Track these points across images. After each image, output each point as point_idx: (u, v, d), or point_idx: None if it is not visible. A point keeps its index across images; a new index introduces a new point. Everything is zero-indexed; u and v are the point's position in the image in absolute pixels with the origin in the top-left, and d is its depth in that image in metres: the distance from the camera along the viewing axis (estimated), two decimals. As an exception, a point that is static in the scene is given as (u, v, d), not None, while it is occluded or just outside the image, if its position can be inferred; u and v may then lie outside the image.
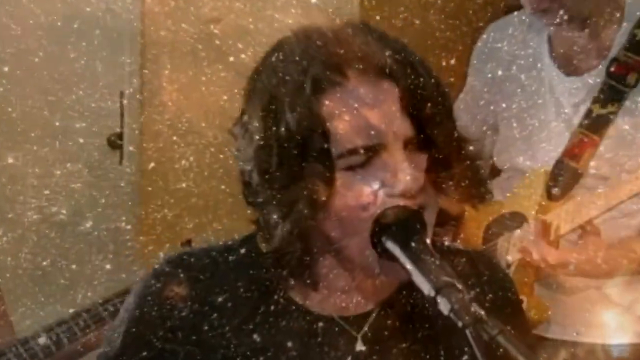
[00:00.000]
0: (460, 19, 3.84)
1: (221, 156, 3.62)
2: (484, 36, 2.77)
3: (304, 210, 1.46)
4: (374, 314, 1.60)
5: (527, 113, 2.59)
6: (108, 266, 3.88)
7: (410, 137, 1.49)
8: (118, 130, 4.25)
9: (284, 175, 1.47)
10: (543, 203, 2.50)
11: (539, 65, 2.60)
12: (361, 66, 1.47)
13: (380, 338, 1.59)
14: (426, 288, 1.37)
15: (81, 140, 4.08)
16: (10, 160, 3.97)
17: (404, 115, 1.48)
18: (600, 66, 2.49)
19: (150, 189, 4.23)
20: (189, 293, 1.59)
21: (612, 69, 2.46)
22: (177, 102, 4.11)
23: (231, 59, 3.64)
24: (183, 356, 1.57)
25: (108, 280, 3.68)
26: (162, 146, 4.19)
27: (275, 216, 1.49)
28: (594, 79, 2.48)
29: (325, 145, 1.46)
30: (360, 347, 1.59)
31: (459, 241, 2.53)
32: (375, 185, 1.47)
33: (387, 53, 1.49)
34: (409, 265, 1.41)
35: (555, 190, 2.49)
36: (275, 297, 1.58)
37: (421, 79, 1.50)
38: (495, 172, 2.73)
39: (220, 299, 1.58)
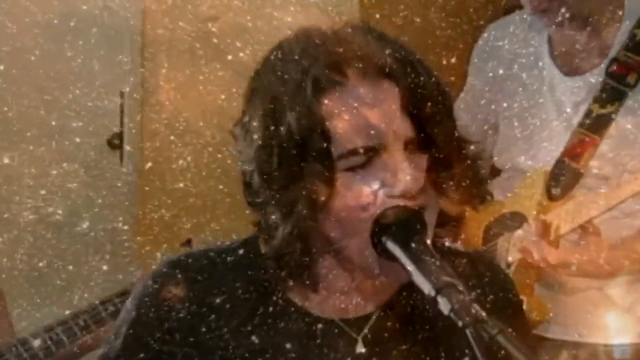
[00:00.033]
0: (461, 17, 3.84)
1: (219, 156, 3.62)
2: (485, 35, 2.77)
3: (303, 210, 1.47)
4: (374, 317, 1.61)
5: (529, 112, 2.60)
6: (105, 267, 3.88)
7: (410, 137, 1.49)
8: (115, 130, 4.25)
9: (284, 176, 1.48)
10: (544, 203, 2.51)
11: (540, 64, 2.60)
12: (361, 66, 1.48)
13: (381, 340, 1.59)
14: (426, 288, 1.38)
15: (78, 140, 4.07)
16: (6, 160, 3.97)
17: (404, 115, 1.49)
18: (601, 66, 2.49)
19: (147, 189, 4.23)
20: (187, 294, 1.59)
21: (612, 69, 2.47)
22: (175, 102, 4.11)
23: (229, 57, 3.65)
24: (181, 358, 1.58)
25: (105, 281, 3.68)
26: (160, 146, 4.19)
27: (275, 217, 1.49)
28: (594, 78, 2.48)
29: (325, 145, 1.46)
30: (360, 349, 1.59)
31: (459, 242, 2.53)
32: (375, 186, 1.48)
33: (387, 53, 1.49)
34: (409, 266, 1.42)
35: (555, 190, 2.49)
36: (274, 298, 1.59)
37: (421, 78, 1.50)
38: (495, 172, 2.73)
39: (218, 300, 1.59)
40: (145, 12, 4.26)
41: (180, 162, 3.95)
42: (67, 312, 2.69)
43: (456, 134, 1.56)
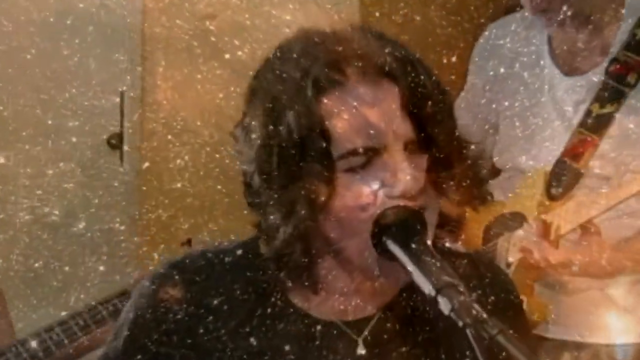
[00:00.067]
0: (461, 15, 3.84)
1: (217, 155, 3.62)
2: (486, 33, 2.77)
3: (302, 211, 1.47)
4: (375, 319, 1.61)
5: (530, 111, 2.60)
6: (102, 268, 3.89)
7: (410, 137, 1.50)
8: (112, 129, 4.25)
9: (284, 176, 1.48)
10: (545, 203, 2.51)
11: (541, 62, 2.60)
12: (361, 65, 1.48)
13: (381, 342, 1.59)
14: (427, 288, 1.38)
15: (74, 140, 4.08)
16: (2, 160, 3.97)
17: (404, 115, 1.49)
18: (601, 66, 2.50)
19: (144, 189, 4.23)
20: (184, 295, 1.59)
21: (612, 68, 2.47)
22: (172, 101, 4.11)
23: (227, 56, 3.65)
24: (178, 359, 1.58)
25: (102, 282, 3.68)
26: (157, 145, 4.19)
27: (275, 218, 1.50)
28: (594, 78, 2.49)
29: (325, 145, 1.46)
30: (361, 351, 1.59)
31: (460, 242, 2.53)
32: (375, 186, 1.48)
33: (386, 52, 1.50)
34: (409, 266, 1.42)
35: (555, 190, 2.50)
36: (273, 299, 1.59)
37: (421, 77, 1.51)
38: (495, 172, 2.73)
39: (216, 302, 1.59)
40: (142, 10, 4.26)
41: (178, 161, 3.96)
42: (64, 313, 2.69)
43: (456, 134, 1.56)
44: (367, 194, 1.48)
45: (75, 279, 3.88)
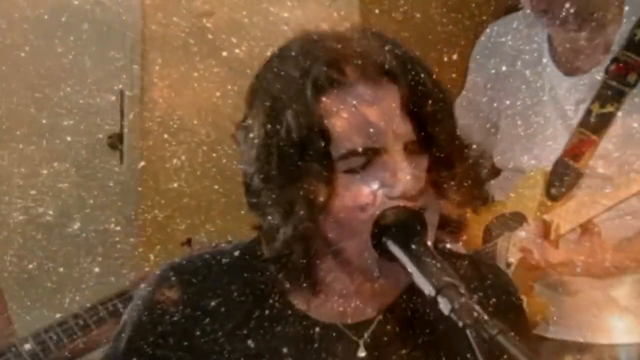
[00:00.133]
0: (462, 12, 3.84)
1: (214, 155, 3.63)
2: (487, 30, 2.77)
3: (301, 211, 1.48)
4: (375, 321, 1.61)
5: (532, 110, 2.60)
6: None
7: (410, 138, 1.50)
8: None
9: (283, 176, 1.49)
10: (547, 203, 2.52)
11: (544, 60, 2.61)
12: (360, 63, 1.49)
13: (381, 345, 1.60)
14: (427, 288, 1.39)
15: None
16: (-5, 159, 3.97)
17: (404, 115, 1.50)
18: (600, 66, 2.51)
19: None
20: (181, 297, 1.59)
21: (612, 68, 2.48)
22: (168, 99, 4.12)
23: (224, 54, 3.65)
24: (175, 362, 1.58)
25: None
26: (153, 144, 4.19)
27: (276, 218, 1.51)
28: (594, 78, 2.50)
29: (324, 145, 1.47)
30: (361, 353, 1.59)
31: (460, 243, 2.54)
32: (375, 186, 1.49)
33: (386, 52, 1.51)
34: (409, 266, 1.43)
35: (555, 190, 2.51)
36: (271, 301, 1.59)
37: (421, 75, 1.52)
38: (495, 172, 2.74)
39: (213, 304, 1.59)
40: (137, 7, 4.26)
41: (175, 161, 3.96)
42: (59, 315, 2.70)
43: (457, 133, 1.57)
44: (366, 194, 1.49)
45: (69, 280, 3.87)
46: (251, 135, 1.53)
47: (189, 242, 2.74)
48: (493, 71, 2.69)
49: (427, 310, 1.56)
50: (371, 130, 1.48)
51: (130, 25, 4.25)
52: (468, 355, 1.33)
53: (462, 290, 1.36)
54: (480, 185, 1.61)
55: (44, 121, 4.06)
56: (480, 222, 2.65)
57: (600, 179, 2.48)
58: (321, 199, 1.47)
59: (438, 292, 1.37)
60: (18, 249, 3.96)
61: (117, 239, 4.12)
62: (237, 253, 1.64)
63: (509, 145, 2.67)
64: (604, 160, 2.49)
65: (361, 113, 1.48)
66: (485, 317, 1.32)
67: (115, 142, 4.24)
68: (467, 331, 1.31)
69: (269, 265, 1.57)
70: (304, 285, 1.57)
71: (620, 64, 2.48)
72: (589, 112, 2.50)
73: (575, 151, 2.50)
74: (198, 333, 1.58)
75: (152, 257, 3.81)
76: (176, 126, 4.05)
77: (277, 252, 1.53)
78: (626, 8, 2.52)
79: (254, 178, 1.53)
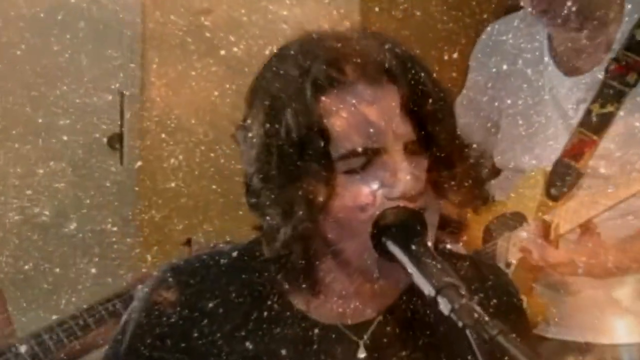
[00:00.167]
0: (463, 10, 3.84)
1: (212, 155, 3.62)
2: (488, 29, 2.78)
3: (300, 211, 1.48)
4: (375, 322, 1.62)
5: (533, 110, 2.61)
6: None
7: (410, 138, 1.51)
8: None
9: (283, 176, 1.50)
10: (549, 204, 2.53)
11: (545, 59, 2.61)
12: (360, 62, 1.50)
13: (381, 346, 1.60)
14: (427, 288, 1.39)
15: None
16: (-9, 159, 3.97)
17: (404, 115, 1.50)
18: (600, 65, 2.51)
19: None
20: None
21: (612, 68, 2.50)
22: (166, 98, 4.11)
23: (223, 52, 3.65)
24: (172, 364, 1.58)
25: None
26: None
27: (275, 219, 1.52)
28: (594, 78, 2.51)
29: (323, 145, 1.48)
30: (361, 354, 1.59)
31: (461, 244, 2.54)
32: (374, 186, 1.49)
33: (386, 52, 1.52)
34: (409, 267, 1.43)
35: (555, 190, 2.52)
36: (269, 302, 1.59)
37: (421, 74, 1.52)
38: (496, 172, 2.74)
39: (211, 305, 1.59)
40: (134, 5, 4.26)
41: (172, 161, 3.95)
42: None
43: (457, 133, 1.57)
44: (366, 195, 1.49)
45: (66, 281, 3.87)
46: (251, 135, 1.53)
47: (188, 242, 2.75)
48: (494, 70, 2.69)
49: (427, 311, 1.57)
50: (371, 129, 1.49)
51: (128, 23, 4.25)
52: (469, 357, 1.32)
53: (463, 291, 1.36)
54: (481, 185, 1.62)
55: (40, 120, 4.06)
56: (481, 222, 2.65)
57: (601, 179, 2.48)
58: (321, 199, 1.48)
59: (438, 292, 1.37)
60: (14, 250, 3.96)
61: (114, 239, 4.12)
62: (235, 254, 1.64)
63: (509, 145, 2.68)
64: (605, 160, 2.49)
65: (361, 112, 1.49)
66: (486, 318, 1.32)
67: (115, 142, 4.24)
68: (467, 331, 1.32)
69: (269, 265, 1.57)
70: (304, 285, 1.58)
71: (620, 64, 2.49)
72: (589, 112, 2.52)
73: (576, 151, 2.51)
74: (196, 335, 1.58)
75: (149, 257, 3.82)
76: (174, 125, 4.05)
77: (276, 253, 1.53)
78: (628, 6, 2.52)
79: (253, 178, 1.54)
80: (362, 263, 1.52)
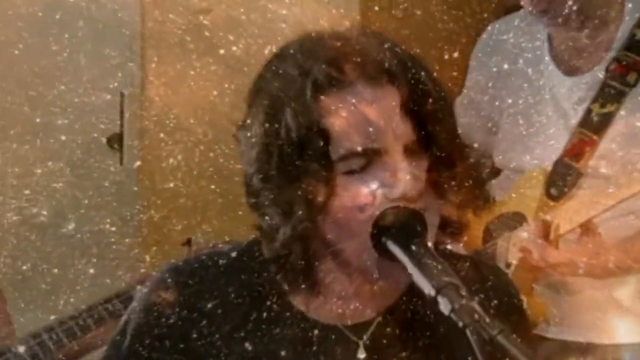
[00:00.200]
0: (463, 9, 3.84)
1: (211, 154, 3.62)
2: (489, 28, 2.78)
3: (299, 211, 1.49)
4: (375, 323, 1.62)
5: (534, 109, 2.61)
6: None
7: (410, 139, 1.51)
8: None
9: (283, 177, 1.50)
10: (548, 203, 2.53)
11: (546, 58, 2.62)
12: (360, 64, 1.51)
13: (381, 347, 1.61)
14: (427, 288, 1.40)
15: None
16: (-11, 159, 3.97)
17: (404, 116, 1.51)
18: (601, 65, 2.52)
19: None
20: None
21: (612, 68, 2.50)
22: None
23: (222, 51, 3.65)
24: (170, 365, 1.58)
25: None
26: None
27: (275, 219, 1.52)
28: (594, 78, 2.52)
29: (323, 144, 1.48)
30: (361, 355, 1.60)
31: (462, 245, 2.55)
32: (374, 186, 1.50)
33: (386, 52, 1.52)
34: (409, 266, 1.43)
35: (554, 190, 2.52)
36: (269, 303, 1.59)
37: (422, 74, 1.53)
38: (496, 172, 2.75)
39: (209, 306, 1.59)
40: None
41: (171, 160, 3.95)
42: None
43: (457, 133, 1.58)
44: (365, 195, 1.50)
45: (64, 282, 3.87)
46: (251, 134, 1.54)
47: (188, 242, 2.75)
48: (495, 69, 2.69)
49: (427, 312, 1.57)
50: (370, 129, 1.49)
51: (126, 22, 4.25)
52: (469, 358, 1.33)
53: (463, 292, 1.37)
54: (481, 186, 1.62)
55: (38, 120, 4.06)
56: (481, 222, 2.65)
57: (602, 179, 2.49)
58: (320, 199, 1.49)
59: (438, 292, 1.37)
60: (12, 250, 3.96)
61: (113, 239, 4.11)
62: (234, 254, 1.64)
63: (510, 145, 2.68)
64: (606, 160, 2.50)
65: (360, 112, 1.50)
66: (487, 319, 1.33)
67: (115, 142, 4.24)
68: (467, 331, 1.32)
69: (268, 266, 1.58)
70: (303, 286, 1.58)
71: (620, 64, 2.50)
72: (589, 111, 2.52)
73: (575, 151, 2.52)
74: (195, 335, 1.59)
75: (148, 258, 3.81)
76: (172, 125, 4.04)
77: (276, 253, 1.54)
78: (629, 5, 2.53)
79: (253, 178, 1.54)
80: (362, 263, 1.53)
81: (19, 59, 4.01)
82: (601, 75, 2.52)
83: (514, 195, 2.63)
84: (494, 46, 2.73)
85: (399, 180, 1.49)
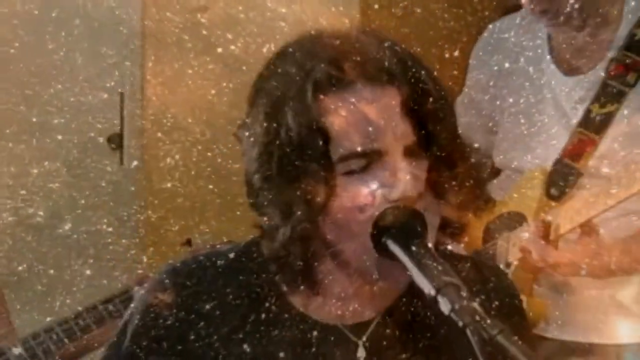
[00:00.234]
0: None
1: (209, 154, 3.62)
2: (490, 26, 2.78)
3: (299, 212, 1.50)
4: (374, 323, 1.62)
5: (535, 108, 2.61)
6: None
7: (410, 140, 1.52)
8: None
9: (283, 177, 1.51)
10: (549, 203, 2.54)
11: (547, 57, 2.62)
12: (361, 64, 1.51)
13: (380, 347, 1.61)
14: (427, 288, 1.40)
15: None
16: (-16, 159, 3.96)
17: (404, 116, 1.51)
18: (600, 65, 2.52)
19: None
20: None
21: (612, 68, 2.51)
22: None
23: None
24: (168, 367, 1.58)
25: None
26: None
27: (275, 218, 1.53)
28: (594, 78, 2.52)
29: (322, 144, 1.49)
30: (360, 354, 1.60)
31: (462, 245, 2.55)
32: (374, 186, 1.50)
33: (387, 52, 1.53)
34: (409, 266, 1.44)
35: (555, 190, 2.53)
36: (267, 304, 1.59)
37: (422, 73, 1.54)
38: (496, 172, 2.75)
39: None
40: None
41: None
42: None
43: (458, 132, 1.58)
44: (365, 195, 1.50)
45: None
46: (251, 134, 1.55)
47: (188, 242, 2.75)
48: (496, 68, 2.70)
49: (427, 313, 1.58)
50: (370, 129, 1.50)
51: (123, 21, 4.24)
52: (469, 358, 1.33)
53: (464, 292, 1.37)
54: (482, 186, 1.62)
55: (34, 119, 4.06)
56: (481, 222, 2.66)
57: (604, 179, 2.49)
58: (320, 199, 1.49)
59: (438, 291, 1.38)
60: (7, 251, 3.96)
61: (109, 240, 4.11)
62: (232, 255, 1.64)
63: (511, 144, 2.68)
64: (609, 160, 2.50)
65: (360, 111, 1.50)
66: (487, 319, 1.33)
67: (115, 142, 4.23)
68: (467, 330, 1.32)
69: (267, 266, 1.59)
70: (302, 287, 1.58)
71: (620, 64, 2.50)
72: (588, 112, 2.53)
73: (575, 151, 2.53)
74: (192, 337, 1.59)
75: (145, 259, 3.81)
76: (170, 124, 4.04)
77: (276, 252, 1.54)
78: (632, 3, 2.53)
79: (254, 177, 1.55)
80: (362, 264, 1.53)
81: (15, 58, 4.01)
82: (601, 75, 2.52)
83: (516, 195, 2.63)
84: (495, 45, 2.73)
85: (399, 180, 1.49)
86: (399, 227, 1.48)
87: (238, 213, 1.57)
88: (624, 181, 2.41)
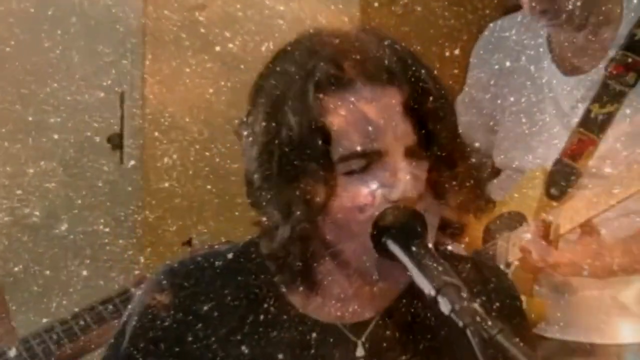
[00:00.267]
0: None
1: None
2: (491, 25, 2.78)
3: (299, 212, 1.50)
4: (373, 323, 1.63)
5: (537, 107, 2.62)
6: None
7: (411, 141, 1.52)
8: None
9: (283, 176, 1.52)
10: (550, 203, 2.54)
11: (548, 56, 2.62)
12: (361, 64, 1.52)
13: (379, 347, 1.61)
14: (427, 288, 1.41)
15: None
16: (-20, 158, 3.96)
17: (405, 116, 1.52)
18: (600, 65, 2.53)
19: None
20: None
21: (612, 68, 2.51)
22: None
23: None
24: (166, 368, 1.59)
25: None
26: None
27: (275, 218, 1.54)
28: (594, 78, 2.53)
29: (322, 143, 1.49)
30: (359, 353, 1.60)
31: (462, 245, 2.55)
32: (374, 186, 1.51)
33: (387, 52, 1.53)
34: (409, 266, 1.44)
35: (555, 190, 2.53)
36: (266, 305, 1.60)
37: (422, 72, 1.54)
38: (496, 172, 2.75)
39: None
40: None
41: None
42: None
43: (458, 132, 1.59)
44: (365, 195, 1.51)
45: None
46: (251, 133, 1.56)
47: (189, 242, 2.75)
48: (496, 67, 2.70)
49: (427, 313, 1.58)
50: (370, 129, 1.50)
51: (120, 19, 4.24)
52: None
53: (464, 292, 1.38)
54: (482, 186, 1.63)
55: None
56: (481, 222, 2.66)
57: (605, 179, 2.49)
58: (319, 199, 1.50)
59: (438, 291, 1.38)
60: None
61: (106, 240, 4.11)
62: (230, 255, 1.65)
63: (512, 144, 2.68)
64: (611, 160, 2.50)
65: (360, 111, 1.51)
66: (488, 320, 1.33)
67: (115, 141, 4.24)
68: (467, 330, 1.33)
69: (266, 267, 1.59)
70: (301, 288, 1.58)
71: (620, 64, 2.51)
72: (588, 111, 2.53)
73: (575, 151, 2.53)
74: (190, 338, 1.59)
75: (142, 259, 3.81)
76: (167, 124, 4.04)
77: (275, 251, 1.55)
78: (634, 1, 2.53)
79: (253, 177, 1.56)
80: (361, 264, 1.54)
81: (11, 56, 4.01)
82: (601, 75, 2.52)
83: (517, 195, 2.63)
84: (496, 43, 2.73)
85: (399, 180, 1.50)
86: (399, 227, 1.48)
87: (236, 213, 1.57)
88: (626, 181, 2.42)
